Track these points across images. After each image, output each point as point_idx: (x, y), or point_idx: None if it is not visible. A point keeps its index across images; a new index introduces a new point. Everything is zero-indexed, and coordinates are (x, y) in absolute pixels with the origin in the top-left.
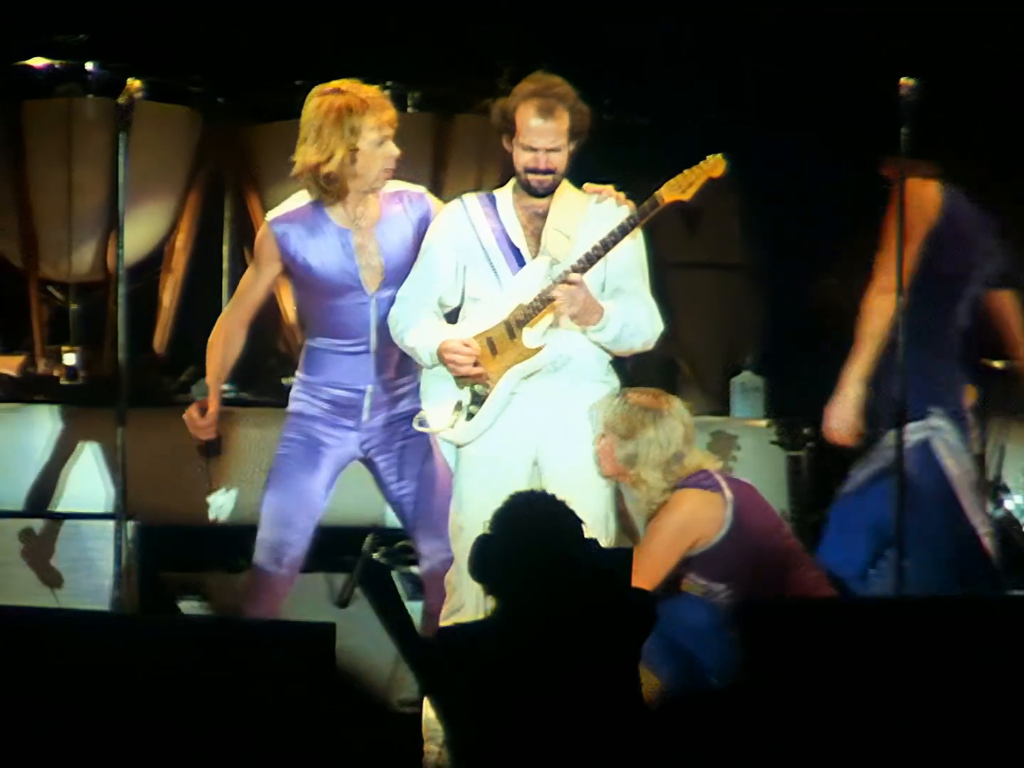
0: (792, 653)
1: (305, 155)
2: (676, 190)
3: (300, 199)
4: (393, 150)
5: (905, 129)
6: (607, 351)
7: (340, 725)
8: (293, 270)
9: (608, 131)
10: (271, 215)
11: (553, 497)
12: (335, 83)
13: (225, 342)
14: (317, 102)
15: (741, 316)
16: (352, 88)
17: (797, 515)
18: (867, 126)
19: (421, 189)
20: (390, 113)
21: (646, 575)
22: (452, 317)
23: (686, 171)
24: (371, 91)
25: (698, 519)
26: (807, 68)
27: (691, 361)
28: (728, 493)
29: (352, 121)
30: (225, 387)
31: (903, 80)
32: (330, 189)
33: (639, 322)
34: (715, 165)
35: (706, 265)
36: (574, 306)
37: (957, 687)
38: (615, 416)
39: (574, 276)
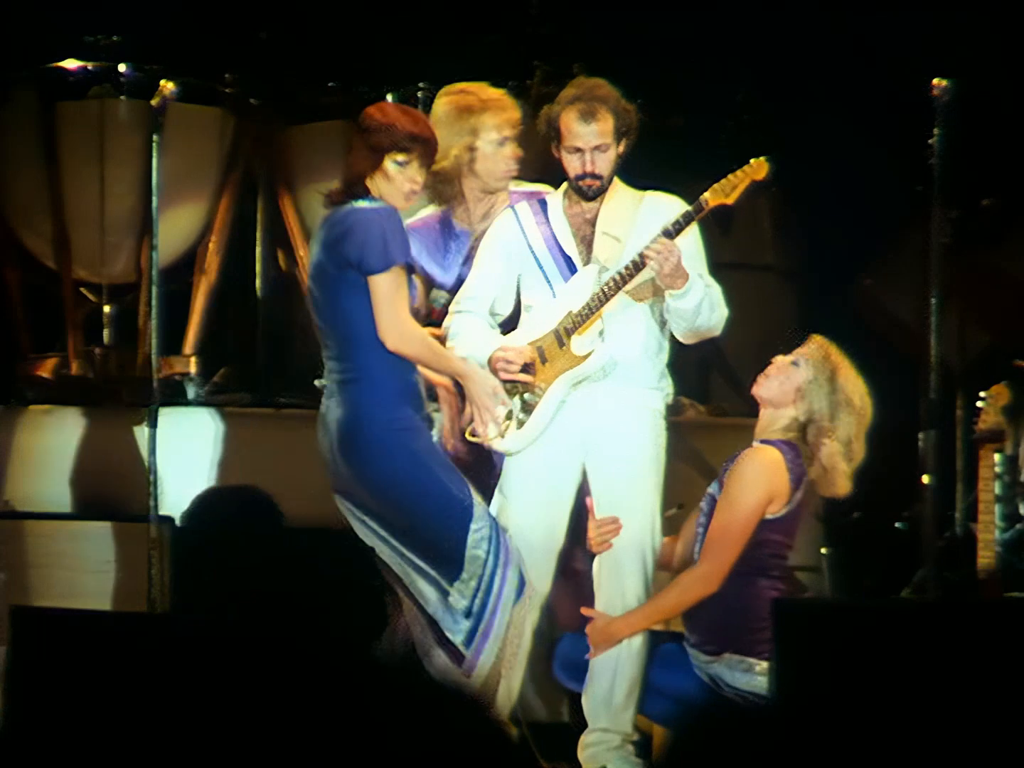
0: (832, 655)
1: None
2: (720, 194)
3: (435, 208)
4: (514, 151)
5: (938, 130)
6: (676, 341)
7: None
8: (418, 268)
9: (643, 131)
10: (407, 222)
11: (253, 489)
12: (461, 84)
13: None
14: (442, 102)
15: (775, 317)
16: (475, 89)
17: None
18: (903, 126)
19: (549, 189)
20: (511, 115)
21: (729, 536)
22: (506, 327)
23: (730, 175)
24: (494, 93)
25: (769, 468)
26: (843, 66)
27: (724, 363)
28: (792, 461)
29: (471, 121)
30: (258, 389)
31: (936, 81)
32: (444, 190)
33: (714, 299)
34: (758, 168)
35: (739, 266)
36: (667, 266)
37: (994, 692)
38: (828, 359)
39: (665, 241)
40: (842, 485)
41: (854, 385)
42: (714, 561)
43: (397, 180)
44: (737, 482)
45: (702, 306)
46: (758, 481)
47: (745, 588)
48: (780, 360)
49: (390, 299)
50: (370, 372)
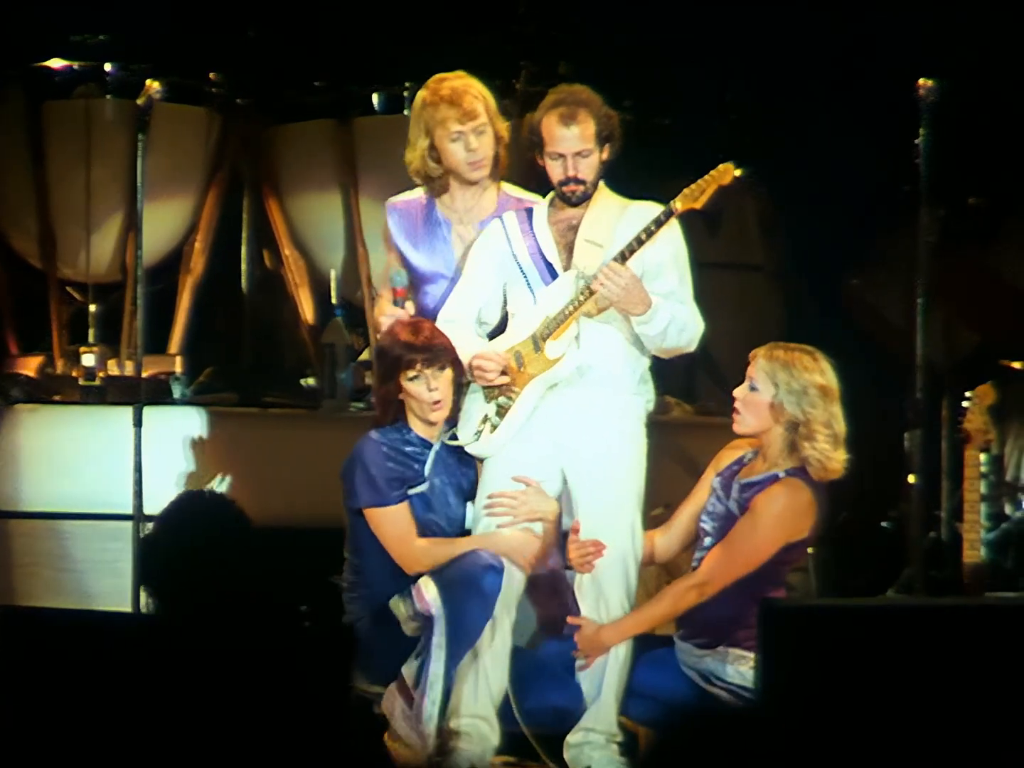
0: (818, 655)
1: (406, 151)
2: (689, 199)
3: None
4: (473, 144)
5: (925, 130)
6: (651, 353)
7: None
8: (402, 255)
9: (630, 131)
10: (390, 200)
11: (221, 495)
12: (440, 75)
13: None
14: (418, 94)
15: (762, 316)
16: (442, 81)
17: None
18: (890, 126)
19: (538, 199)
20: (466, 107)
21: (741, 562)
22: (494, 336)
23: (698, 180)
24: (454, 85)
25: (798, 511)
26: (830, 67)
27: (710, 362)
28: (819, 496)
29: (426, 115)
30: (244, 388)
31: (922, 81)
32: (431, 185)
33: (685, 320)
34: (724, 173)
35: (727, 265)
36: (616, 291)
37: (980, 691)
38: (772, 364)
39: (615, 264)
40: (835, 468)
41: (810, 369)
42: (716, 576)
43: (418, 394)
44: (766, 517)
45: (668, 330)
46: (786, 521)
47: (748, 592)
48: (740, 392)
49: (385, 535)
50: (367, 578)
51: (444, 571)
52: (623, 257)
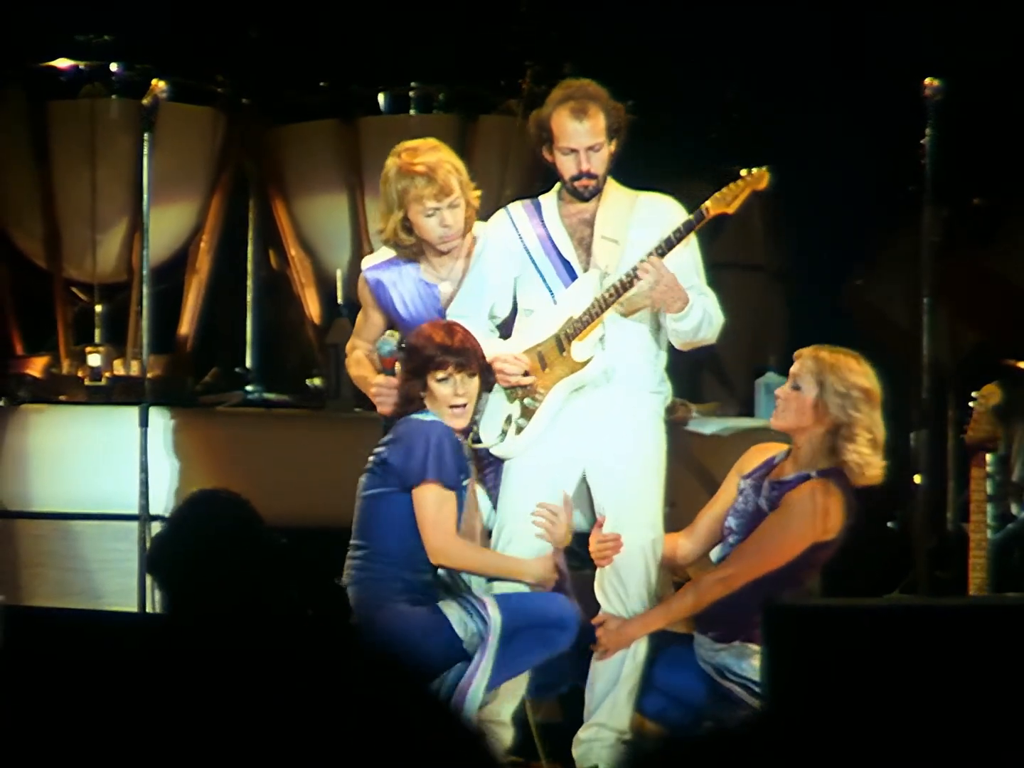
0: (822, 656)
1: (379, 220)
2: (721, 203)
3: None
4: (447, 218)
5: (930, 129)
6: (668, 350)
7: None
8: (392, 316)
9: (632, 129)
10: (366, 262)
11: (235, 495)
12: (412, 143)
13: (365, 365)
14: (390, 161)
15: (766, 317)
16: (417, 151)
17: None
18: (895, 125)
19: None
20: (443, 184)
21: (767, 558)
22: (504, 329)
23: (731, 184)
24: (432, 157)
25: (828, 511)
26: (834, 66)
27: (715, 362)
28: (849, 499)
29: (402, 185)
30: (249, 388)
31: (928, 80)
32: (402, 253)
33: (712, 312)
34: (759, 178)
35: (729, 265)
36: (659, 285)
37: (986, 692)
38: (818, 364)
39: (656, 260)
40: (874, 475)
41: (855, 372)
42: (742, 571)
43: (444, 396)
44: (796, 513)
45: (702, 325)
46: (816, 520)
47: (767, 589)
48: (783, 391)
49: (430, 517)
50: (373, 573)
51: (525, 606)
52: (660, 254)
